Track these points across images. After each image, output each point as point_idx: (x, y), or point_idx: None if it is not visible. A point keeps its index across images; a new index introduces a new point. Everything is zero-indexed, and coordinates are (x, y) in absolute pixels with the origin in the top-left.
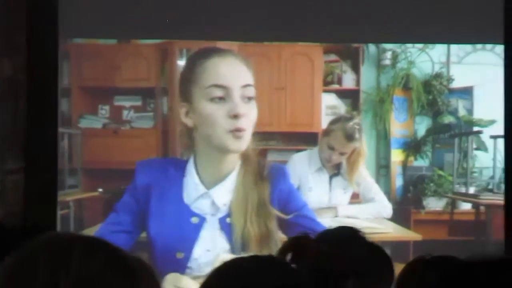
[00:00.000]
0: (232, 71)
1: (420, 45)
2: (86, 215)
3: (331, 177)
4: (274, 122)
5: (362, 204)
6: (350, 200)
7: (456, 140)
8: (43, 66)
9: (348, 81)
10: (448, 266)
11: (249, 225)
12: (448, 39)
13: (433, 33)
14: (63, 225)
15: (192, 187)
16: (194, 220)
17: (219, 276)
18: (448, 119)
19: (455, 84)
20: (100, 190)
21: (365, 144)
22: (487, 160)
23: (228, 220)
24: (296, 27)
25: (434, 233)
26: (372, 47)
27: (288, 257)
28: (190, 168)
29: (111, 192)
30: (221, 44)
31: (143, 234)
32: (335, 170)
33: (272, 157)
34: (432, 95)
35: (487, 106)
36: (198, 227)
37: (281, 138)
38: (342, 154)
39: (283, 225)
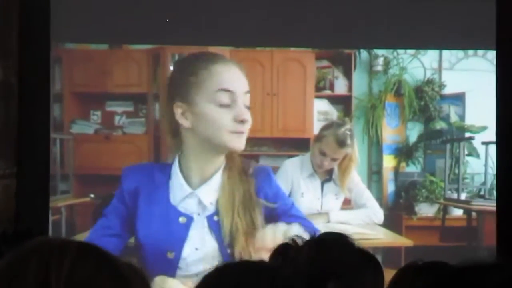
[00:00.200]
0: (237, 78)
1: (412, 51)
2: (77, 220)
3: (323, 183)
4: (266, 128)
5: (353, 210)
6: (342, 206)
7: (448, 146)
8: (35, 71)
9: (340, 87)
10: (440, 272)
11: (237, 219)
12: (440, 44)
13: (425, 38)
14: (54, 231)
15: (178, 188)
16: (182, 220)
17: (210, 281)
18: (440, 125)
19: (447, 90)
20: (92, 195)
21: (357, 150)
22: (478, 166)
23: (215, 218)
24: (288, 32)
25: (425, 239)
26: (364, 53)
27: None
28: (175, 170)
29: (102, 198)
30: (212, 49)
31: (131, 240)
32: (327, 176)
33: (264, 163)
34: (424, 101)
35: (479, 112)
36: (186, 227)
37: (273, 144)
38: (333, 160)
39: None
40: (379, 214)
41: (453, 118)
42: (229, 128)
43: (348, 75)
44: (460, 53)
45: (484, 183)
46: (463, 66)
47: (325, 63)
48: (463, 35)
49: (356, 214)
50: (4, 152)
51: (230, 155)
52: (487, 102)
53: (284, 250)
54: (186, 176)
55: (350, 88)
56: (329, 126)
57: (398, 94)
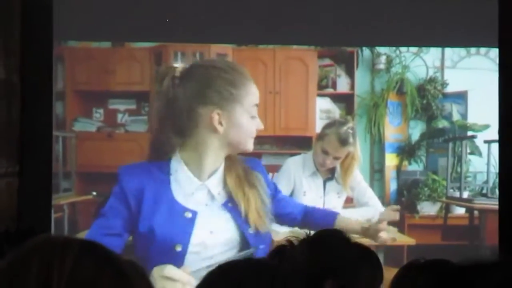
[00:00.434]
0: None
1: (414, 50)
2: (80, 218)
3: (325, 182)
4: (269, 126)
5: (356, 208)
6: (344, 205)
7: (450, 145)
8: (37, 69)
9: (343, 85)
10: (442, 270)
11: (251, 198)
12: (443, 42)
13: (428, 36)
14: (57, 228)
15: (186, 181)
16: (187, 214)
17: (213, 278)
18: (442, 123)
19: (449, 89)
20: (94, 193)
21: (359, 149)
22: (481, 164)
23: (230, 204)
24: (291, 30)
25: (428, 238)
26: (366, 52)
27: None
28: (179, 165)
29: (105, 196)
30: (215, 48)
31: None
32: (329, 175)
33: (266, 161)
34: (426, 100)
35: (481, 111)
36: (192, 221)
37: (275, 142)
38: (336, 158)
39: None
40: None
41: (456, 116)
42: (252, 135)
43: (350, 73)
44: (462, 52)
45: (486, 182)
46: (466, 64)
47: (327, 61)
48: (465, 33)
49: (358, 213)
50: (7, 150)
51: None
52: (489, 101)
53: (281, 251)
54: (193, 170)
55: (352, 87)
56: (331, 124)
57: (400, 92)
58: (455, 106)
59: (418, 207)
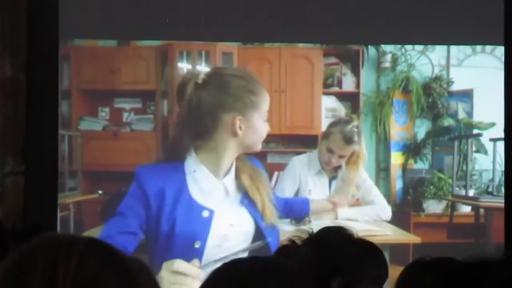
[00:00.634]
0: None
1: (420, 48)
2: (85, 217)
3: (330, 180)
4: (274, 125)
5: (361, 206)
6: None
7: (456, 143)
8: (43, 67)
9: (348, 83)
10: (448, 268)
11: (264, 194)
12: (448, 40)
13: (433, 34)
14: (62, 227)
15: (207, 181)
16: (205, 213)
17: (219, 276)
18: (447, 121)
19: (454, 87)
20: (100, 192)
21: (364, 147)
22: (486, 162)
23: (246, 200)
24: (296, 28)
25: (433, 236)
26: (372, 50)
27: None
28: (196, 166)
29: (110, 194)
30: (221, 46)
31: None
32: (335, 173)
33: (272, 160)
34: (432, 98)
35: (487, 109)
36: (209, 219)
37: (281, 141)
38: (341, 157)
39: None
40: (387, 211)
41: (461, 114)
42: (264, 137)
43: (356, 71)
44: (468, 50)
45: (492, 180)
46: (471, 62)
47: (333, 59)
48: (471, 31)
49: (363, 211)
50: (12, 148)
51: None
52: (495, 99)
53: (285, 251)
54: (211, 170)
55: (358, 85)
56: (336, 123)
57: (406, 90)
58: (460, 104)
59: (424, 205)
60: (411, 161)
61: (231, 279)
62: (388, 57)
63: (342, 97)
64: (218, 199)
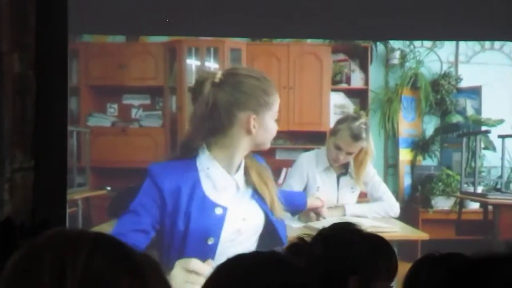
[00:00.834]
0: None
1: (428, 44)
2: (94, 213)
3: (338, 177)
4: (283, 121)
5: (370, 203)
6: (358, 199)
7: (464, 140)
8: (53, 63)
9: (357, 80)
10: (456, 263)
11: (272, 190)
12: (457, 36)
13: (442, 30)
14: (71, 224)
15: (221, 177)
16: (218, 210)
17: (223, 271)
18: (456, 118)
19: (463, 84)
20: (108, 188)
21: (372, 144)
22: (495, 159)
23: (256, 196)
24: (304, 24)
25: (442, 233)
26: (380, 47)
27: None
28: (209, 163)
29: (119, 191)
30: (229, 43)
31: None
32: (343, 170)
33: (280, 156)
34: (440, 95)
35: (495, 106)
36: (223, 215)
37: (289, 137)
38: (349, 153)
39: None
40: (395, 208)
41: (470, 111)
42: (273, 136)
43: (364, 68)
44: (476, 47)
45: (500, 177)
46: (480, 59)
47: (341, 56)
48: (480, 27)
49: (372, 207)
50: (22, 144)
51: None
52: (503, 96)
53: (295, 249)
54: (223, 166)
55: (366, 82)
56: (344, 120)
57: (414, 87)
58: (469, 101)
59: (432, 202)
60: (419, 157)
61: (235, 273)
62: (397, 53)
63: (351, 93)
64: (230, 194)
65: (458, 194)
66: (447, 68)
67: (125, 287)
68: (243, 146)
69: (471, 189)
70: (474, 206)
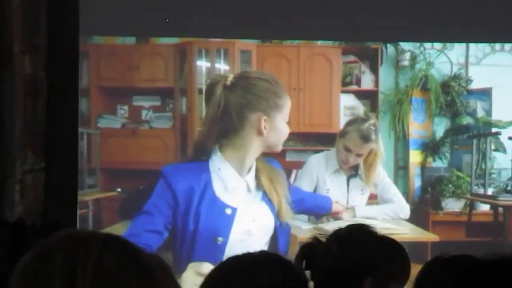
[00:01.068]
0: None
1: (438, 46)
2: (104, 214)
3: (348, 179)
4: (293, 123)
5: (380, 205)
6: (368, 201)
7: (475, 141)
8: (64, 64)
9: (367, 82)
10: (467, 265)
11: (281, 194)
12: (467, 38)
13: (452, 32)
14: (81, 225)
15: (232, 178)
16: (228, 211)
17: (224, 270)
18: (466, 120)
19: (473, 85)
20: (119, 190)
21: (382, 145)
22: (505, 161)
23: (266, 198)
24: (315, 25)
25: (452, 234)
26: (390, 48)
27: (303, 263)
28: (221, 164)
29: (129, 192)
30: (239, 45)
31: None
32: (353, 172)
33: (290, 158)
34: (451, 96)
35: (506, 108)
36: (232, 216)
37: (299, 139)
38: (358, 155)
39: None
40: (405, 209)
41: (480, 113)
42: (285, 138)
43: (374, 70)
44: (487, 48)
45: (511, 178)
46: (490, 61)
47: (351, 58)
48: (490, 29)
49: (382, 209)
50: (33, 146)
51: None
52: None
53: (310, 249)
54: (235, 167)
55: (376, 83)
56: (353, 121)
57: (424, 89)
58: (479, 102)
59: (443, 204)
60: (429, 159)
61: (238, 272)
62: (407, 55)
63: (361, 95)
64: (241, 195)
65: (468, 196)
66: (457, 69)
67: None
68: (255, 148)
69: (481, 191)
70: (484, 208)
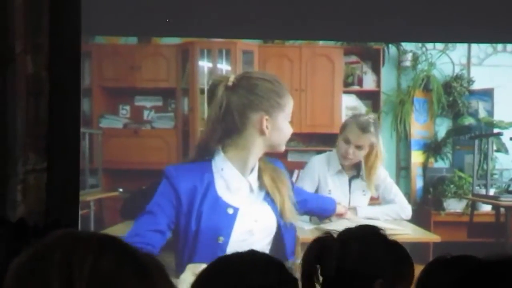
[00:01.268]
0: None
1: (440, 47)
2: (106, 214)
3: (350, 180)
4: (295, 123)
5: (382, 205)
6: (370, 202)
7: (476, 142)
8: (66, 64)
9: (369, 82)
10: (469, 265)
11: (285, 195)
12: (469, 38)
13: (454, 32)
14: (83, 225)
15: (234, 178)
16: (230, 210)
17: (213, 270)
18: (468, 120)
19: (475, 86)
20: (120, 190)
21: (382, 146)
22: (507, 161)
23: (268, 198)
24: (317, 25)
25: (454, 235)
26: (392, 49)
27: (313, 257)
28: (224, 164)
29: (131, 192)
30: (241, 45)
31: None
32: (354, 173)
33: (292, 158)
34: (453, 97)
35: (508, 108)
36: (234, 216)
37: (301, 139)
38: (357, 147)
39: None
40: (407, 210)
41: (482, 113)
42: (288, 138)
43: (376, 70)
44: (489, 49)
45: None
46: (492, 61)
47: (353, 58)
48: (492, 29)
49: (384, 210)
50: (35, 146)
51: None
52: None
53: (322, 244)
54: (237, 167)
55: (378, 84)
56: (352, 117)
57: (426, 89)
58: (481, 103)
59: (444, 204)
60: (431, 159)
61: (228, 272)
62: (409, 56)
63: (363, 95)
64: (243, 195)
65: (470, 196)
66: (459, 70)
67: None
68: (257, 147)
69: (483, 191)
70: (486, 208)
